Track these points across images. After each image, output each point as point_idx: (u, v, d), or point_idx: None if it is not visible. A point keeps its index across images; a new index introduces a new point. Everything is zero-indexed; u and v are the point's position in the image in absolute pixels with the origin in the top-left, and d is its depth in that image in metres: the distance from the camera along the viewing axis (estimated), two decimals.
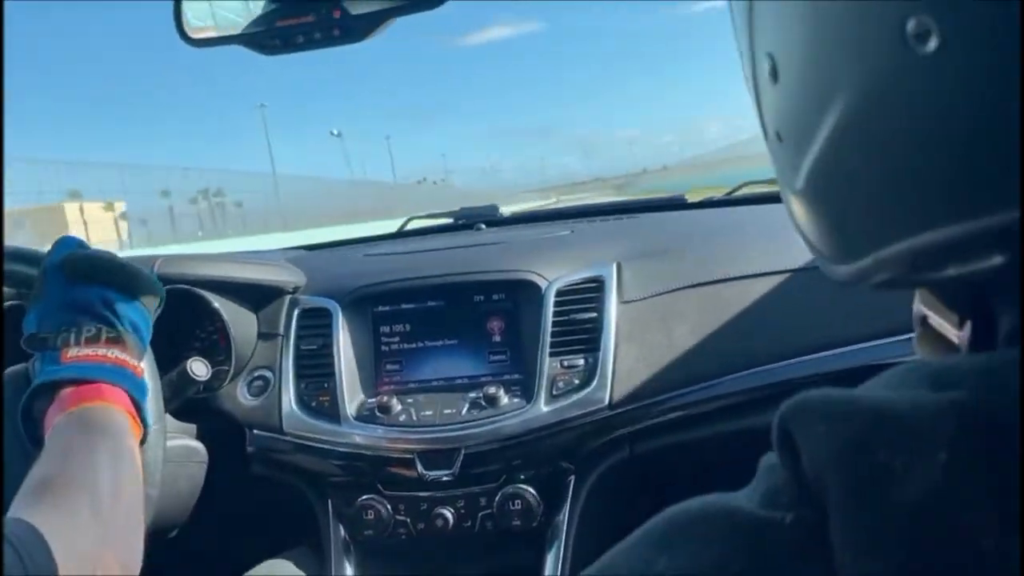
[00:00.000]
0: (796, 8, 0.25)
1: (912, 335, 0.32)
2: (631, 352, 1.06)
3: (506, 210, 1.63)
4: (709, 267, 1.11)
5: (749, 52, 0.30)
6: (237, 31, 0.84)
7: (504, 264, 1.16)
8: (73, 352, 0.64)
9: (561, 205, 1.66)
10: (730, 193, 1.55)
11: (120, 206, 26.11)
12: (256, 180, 32.60)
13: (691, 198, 1.54)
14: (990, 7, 0.18)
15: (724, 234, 1.24)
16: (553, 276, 1.12)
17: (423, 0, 0.74)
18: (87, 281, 0.70)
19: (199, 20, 0.84)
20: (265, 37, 0.81)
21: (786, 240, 1.12)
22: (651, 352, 1.06)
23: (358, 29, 0.77)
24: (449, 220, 1.64)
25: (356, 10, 0.78)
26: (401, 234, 1.64)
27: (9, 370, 0.79)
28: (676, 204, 1.53)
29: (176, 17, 0.83)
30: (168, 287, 1.14)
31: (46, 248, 0.79)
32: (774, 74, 0.27)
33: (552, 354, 1.07)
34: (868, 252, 0.25)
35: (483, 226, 1.50)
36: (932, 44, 0.19)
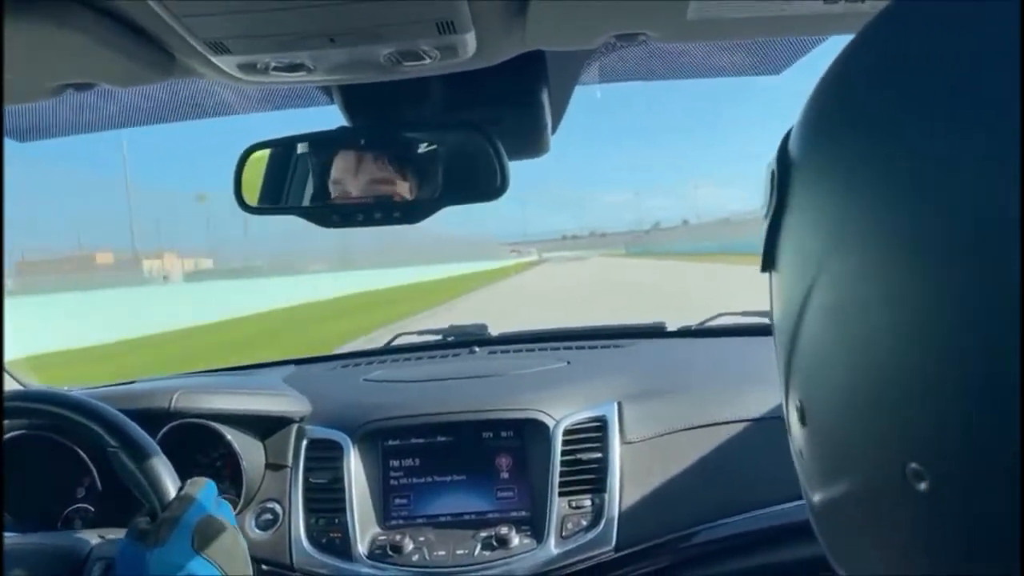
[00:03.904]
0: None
1: None
2: (635, 494, 1.12)
3: (494, 330, 1.70)
4: (706, 409, 1.19)
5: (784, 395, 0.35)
6: (293, 205, 0.90)
7: (510, 401, 1.22)
8: None
9: (551, 327, 1.72)
10: (704, 323, 1.65)
11: None
12: None
13: (670, 326, 1.64)
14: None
15: (715, 372, 1.33)
16: (559, 414, 1.18)
17: (483, 194, 0.83)
18: (209, 558, 0.79)
19: (254, 195, 0.90)
20: (325, 212, 0.87)
21: (773, 384, 1.22)
22: (654, 494, 1.12)
23: (417, 214, 0.84)
24: (439, 337, 1.69)
25: (416, 197, 0.86)
26: (390, 350, 1.68)
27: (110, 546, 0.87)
28: (656, 332, 1.63)
29: (235, 188, 0.89)
30: (184, 421, 1.16)
31: None
32: (803, 419, 0.32)
33: (561, 494, 1.12)
34: None
35: (476, 349, 1.56)
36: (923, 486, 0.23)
